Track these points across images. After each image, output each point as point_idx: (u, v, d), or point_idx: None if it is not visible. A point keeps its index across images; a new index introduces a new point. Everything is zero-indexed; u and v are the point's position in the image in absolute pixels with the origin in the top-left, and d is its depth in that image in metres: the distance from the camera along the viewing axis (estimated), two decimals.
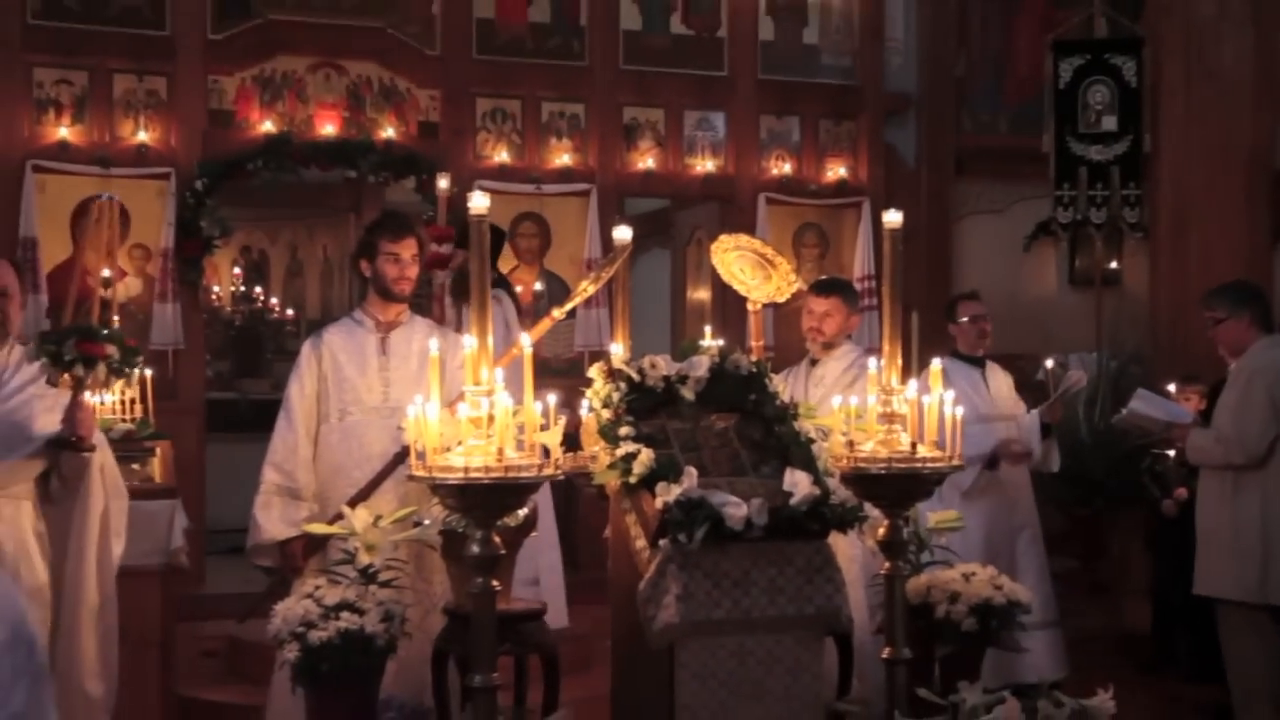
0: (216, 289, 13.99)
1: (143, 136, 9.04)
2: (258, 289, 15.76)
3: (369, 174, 9.30)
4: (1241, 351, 6.29)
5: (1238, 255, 8.53)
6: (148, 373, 6.90)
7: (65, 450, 4.33)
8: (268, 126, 9.22)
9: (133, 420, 6.64)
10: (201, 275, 9.55)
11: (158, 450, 6.39)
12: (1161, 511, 7.61)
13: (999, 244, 10.75)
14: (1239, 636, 6.20)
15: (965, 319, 7.08)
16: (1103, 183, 9.47)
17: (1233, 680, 6.29)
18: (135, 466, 6.24)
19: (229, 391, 12.97)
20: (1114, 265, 10.38)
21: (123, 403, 6.69)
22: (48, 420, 4.40)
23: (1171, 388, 7.48)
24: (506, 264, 9.02)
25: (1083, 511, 7.89)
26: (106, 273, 8.89)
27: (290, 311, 15.96)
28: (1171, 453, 7.39)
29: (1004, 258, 10.65)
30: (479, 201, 4.01)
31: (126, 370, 4.52)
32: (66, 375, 4.27)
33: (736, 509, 3.98)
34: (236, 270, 15.29)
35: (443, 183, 7.84)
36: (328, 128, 9.37)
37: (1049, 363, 7.36)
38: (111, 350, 4.36)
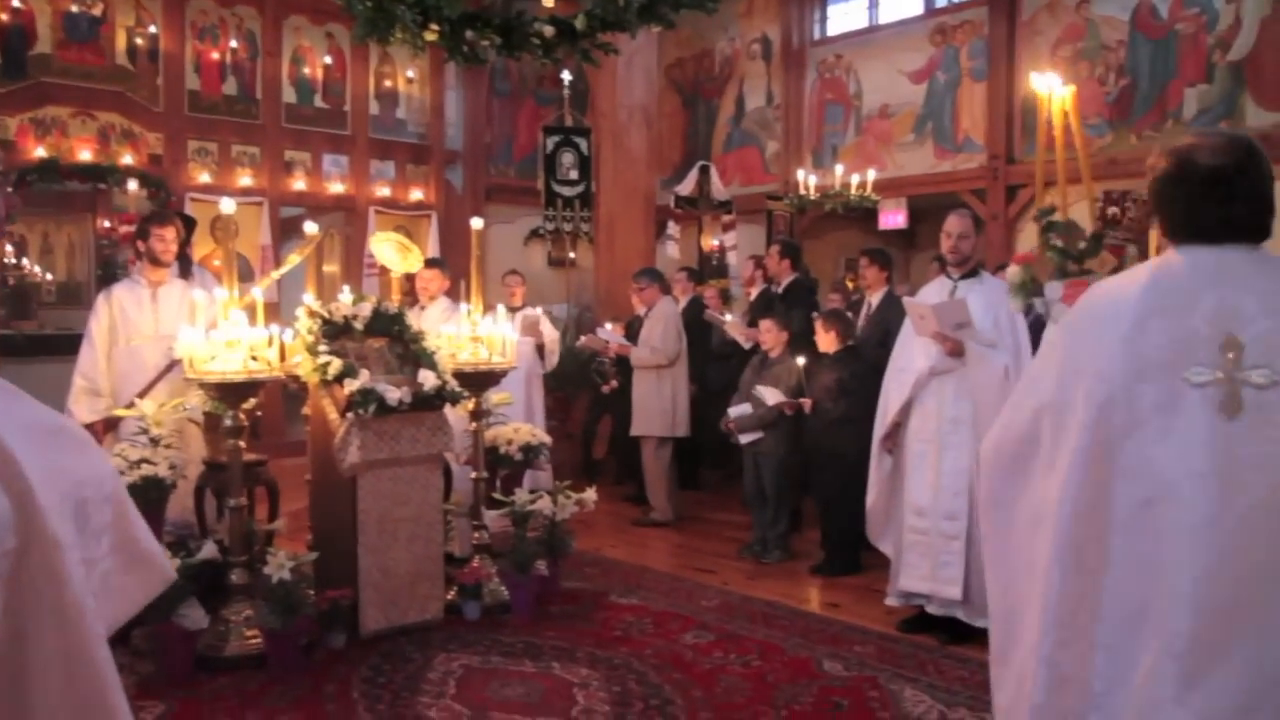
0: None
1: None
2: (24, 260, 13.66)
3: (114, 186, 8.19)
4: (652, 305, 6.55)
5: (638, 251, 9.01)
6: None
7: None
8: (40, 152, 7.98)
9: None
10: None
11: None
12: (603, 390, 7.80)
13: (511, 241, 10.87)
14: None
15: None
16: (570, 208, 9.73)
17: None
18: None
19: (7, 330, 11.10)
20: (573, 255, 10.74)
21: None
22: None
23: (609, 325, 7.80)
24: (206, 246, 8.25)
25: (560, 393, 8.20)
26: None
27: (49, 276, 13.95)
28: (606, 360, 7.49)
29: (514, 249, 10.82)
30: (227, 205, 3.75)
31: None
32: None
33: (393, 393, 3.97)
34: (9, 248, 13.15)
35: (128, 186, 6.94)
36: (85, 154, 8.19)
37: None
38: None
